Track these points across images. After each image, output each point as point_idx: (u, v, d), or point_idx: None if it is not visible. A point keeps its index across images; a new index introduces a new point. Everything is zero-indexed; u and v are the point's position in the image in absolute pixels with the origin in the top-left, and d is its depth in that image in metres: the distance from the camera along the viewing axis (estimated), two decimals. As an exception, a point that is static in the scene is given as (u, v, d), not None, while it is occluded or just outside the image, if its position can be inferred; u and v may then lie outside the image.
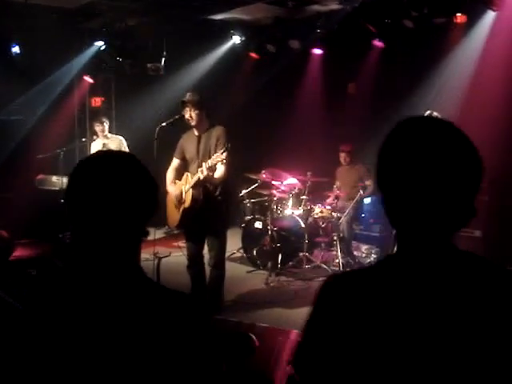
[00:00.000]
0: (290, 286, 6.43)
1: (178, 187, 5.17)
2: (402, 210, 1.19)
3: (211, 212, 5.04)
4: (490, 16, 6.56)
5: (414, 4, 6.77)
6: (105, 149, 7.09)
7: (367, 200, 7.51)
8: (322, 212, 7.10)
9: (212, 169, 4.80)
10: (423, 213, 1.16)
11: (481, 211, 1.20)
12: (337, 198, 6.93)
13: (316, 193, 7.39)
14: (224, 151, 4.69)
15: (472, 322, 1.13)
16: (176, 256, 6.87)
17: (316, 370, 1.23)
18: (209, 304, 5.10)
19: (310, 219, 7.16)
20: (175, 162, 5.29)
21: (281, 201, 7.47)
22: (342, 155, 7.44)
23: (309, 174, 7.13)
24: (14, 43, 7.65)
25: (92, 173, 1.32)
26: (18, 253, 5.32)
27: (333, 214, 7.00)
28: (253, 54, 8.90)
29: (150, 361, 1.23)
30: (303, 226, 6.92)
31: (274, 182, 7.25)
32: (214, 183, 4.97)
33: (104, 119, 7.78)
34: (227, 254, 6.27)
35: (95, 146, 7.62)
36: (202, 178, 4.79)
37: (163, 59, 8.37)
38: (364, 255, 7.37)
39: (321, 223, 7.30)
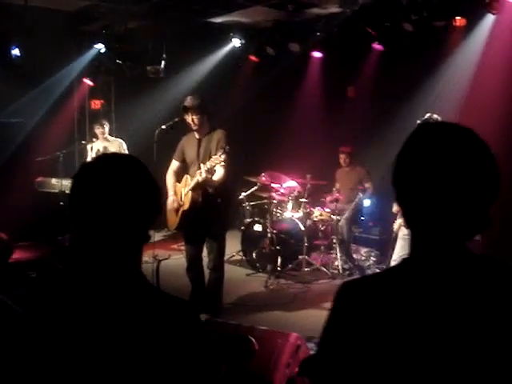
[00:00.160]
0: (290, 288, 6.41)
1: (178, 190, 5.18)
2: (420, 214, 1.18)
3: (210, 214, 5.03)
4: (489, 19, 6.56)
5: (413, 7, 6.78)
6: (106, 152, 7.10)
7: (367, 203, 7.50)
8: (321, 215, 7.11)
9: (211, 171, 4.80)
10: (441, 217, 1.16)
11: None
12: (336, 200, 6.92)
13: (315, 196, 7.39)
14: (222, 153, 4.70)
15: (496, 328, 1.12)
16: (175, 258, 6.89)
17: (336, 379, 1.21)
18: (208, 306, 5.09)
19: (310, 222, 7.17)
20: (174, 164, 5.28)
21: (280, 204, 7.47)
22: (342, 156, 7.44)
23: (308, 176, 7.13)
24: (13, 45, 7.63)
25: (95, 176, 1.32)
26: (18, 255, 5.30)
27: (332, 216, 7.00)
28: (252, 57, 8.90)
29: (147, 365, 1.23)
30: (302, 228, 6.92)
31: (273, 185, 7.25)
32: (212, 186, 4.96)
33: (104, 121, 7.80)
34: (227, 257, 6.28)
35: (95, 149, 7.62)
36: (200, 180, 4.78)
37: (163, 62, 8.36)
38: (363, 258, 7.37)
39: (320, 226, 7.31)
